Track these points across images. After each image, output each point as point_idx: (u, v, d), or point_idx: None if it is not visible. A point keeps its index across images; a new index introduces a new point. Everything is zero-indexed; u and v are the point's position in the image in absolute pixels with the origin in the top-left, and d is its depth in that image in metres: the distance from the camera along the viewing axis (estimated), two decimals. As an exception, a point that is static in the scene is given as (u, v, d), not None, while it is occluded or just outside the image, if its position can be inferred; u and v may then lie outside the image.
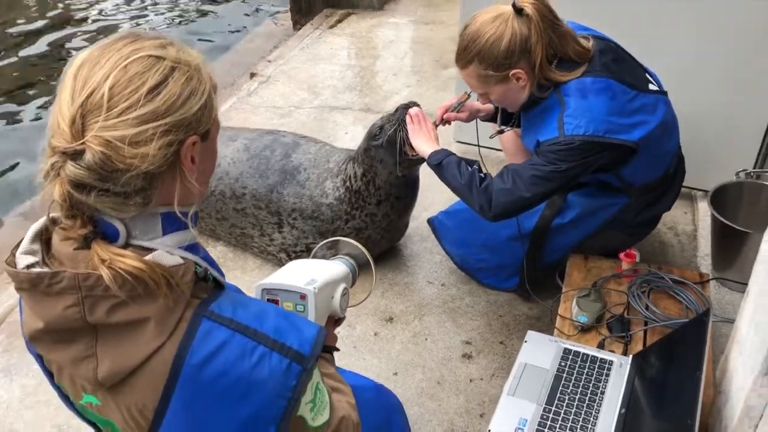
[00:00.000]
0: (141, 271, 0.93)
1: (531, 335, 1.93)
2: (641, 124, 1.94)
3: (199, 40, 5.24)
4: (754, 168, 2.67)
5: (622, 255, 2.16)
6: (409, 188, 2.45)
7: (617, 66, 1.96)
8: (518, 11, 1.87)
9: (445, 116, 2.25)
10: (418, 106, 2.24)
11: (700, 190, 2.83)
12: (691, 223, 2.77)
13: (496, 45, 1.88)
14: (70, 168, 0.90)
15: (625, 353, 1.91)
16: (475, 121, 2.34)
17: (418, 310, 2.43)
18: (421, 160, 2.17)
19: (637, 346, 1.94)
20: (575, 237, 2.23)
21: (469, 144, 2.66)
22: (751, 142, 2.64)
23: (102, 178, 0.91)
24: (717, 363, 1.85)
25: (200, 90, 0.98)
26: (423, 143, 2.14)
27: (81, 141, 0.90)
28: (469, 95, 2.20)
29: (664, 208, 2.25)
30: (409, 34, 4.49)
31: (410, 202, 2.50)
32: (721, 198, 2.38)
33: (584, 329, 1.98)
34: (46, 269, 0.96)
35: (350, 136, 3.42)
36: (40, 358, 1.11)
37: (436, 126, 2.23)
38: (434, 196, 2.87)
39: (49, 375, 1.12)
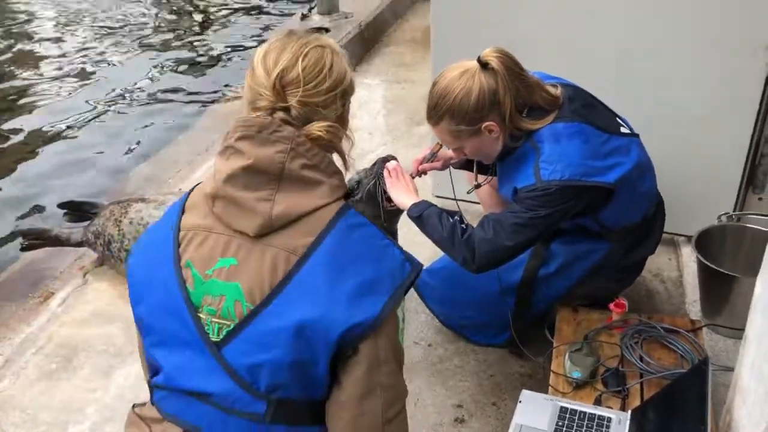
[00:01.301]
0: (330, 139, 1.35)
1: (525, 395, 1.85)
2: (616, 166, 1.94)
3: (172, 103, 5.22)
4: (735, 210, 2.67)
5: (611, 305, 2.11)
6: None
7: (588, 111, 1.97)
8: (484, 65, 1.88)
9: (420, 168, 2.24)
10: (395, 159, 2.23)
11: (683, 235, 2.81)
12: (676, 269, 2.74)
13: (466, 100, 1.88)
14: (281, 115, 1.32)
15: (623, 408, 1.83)
16: (449, 173, 2.32)
17: (405, 372, 2.26)
18: (402, 210, 2.14)
19: (635, 400, 1.87)
20: (562, 286, 2.18)
21: (448, 198, 2.63)
22: (729, 185, 2.64)
23: (303, 123, 1.33)
24: (718, 414, 1.78)
25: (346, 64, 1.40)
26: (402, 195, 2.11)
27: (286, 103, 1.32)
28: (441, 145, 2.19)
29: (647, 252, 2.23)
30: (382, 94, 4.52)
31: None
32: (704, 242, 2.36)
33: (579, 385, 1.91)
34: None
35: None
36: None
37: (413, 178, 2.21)
38: (415, 251, 2.81)
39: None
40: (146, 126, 4.94)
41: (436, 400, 2.22)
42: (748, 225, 2.40)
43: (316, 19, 5.21)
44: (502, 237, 1.90)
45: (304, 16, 5.24)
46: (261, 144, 1.29)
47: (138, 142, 4.74)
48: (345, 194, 1.38)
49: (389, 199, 2.18)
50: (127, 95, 5.46)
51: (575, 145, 1.88)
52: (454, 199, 2.30)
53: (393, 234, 2.40)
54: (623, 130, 2.04)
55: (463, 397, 2.23)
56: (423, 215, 2.03)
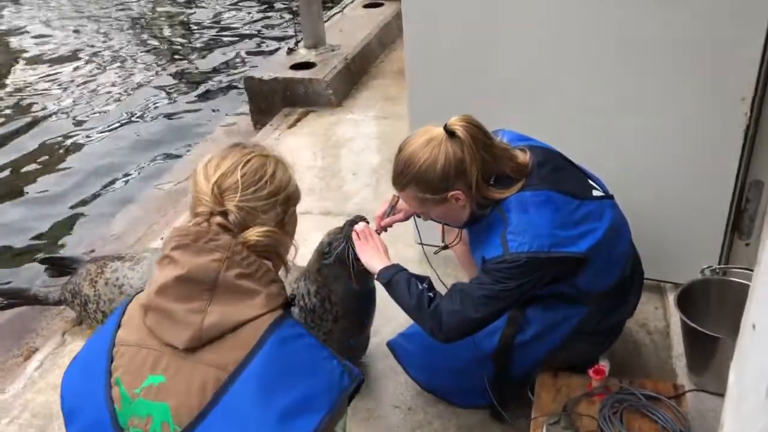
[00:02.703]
0: (269, 244, 1.37)
1: (500, 475, 1.80)
2: (588, 234, 1.89)
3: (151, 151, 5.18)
4: (721, 257, 2.61)
5: (591, 372, 2.04)
6: (365, 301, 2.35)
7: (557, 176, 1.92)
8: (450, 134, 1.83)
9: (383, 223, 2.22)
10: (364, 220, 2.21)
11: (669, 282, 2.75)
12: (662, 318, 2.68)
13: (431, 169, 1.84)
14: (218, 219, 1.33)
15: (601, 488, 1.77)
16: (415, 223, 2.31)
17: (384, 440, 2.28)
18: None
19: (615, 478, 1.81)
20: (540, 352, 2.12)
21: (432, 245, 2.59)
22: (715, 231, 2.58)
23: (241, 228, 1.35)
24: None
25: (290, 174, 1.45)
26: (371, 259, 2.07)
27: (223, 208, 1.34)
28: (398, 197, 2.16)
29: (626, 314, 2.17)
30: (367, 131, 4.47)
31: (368, 315, 2.40)
32: (688, 298, 2.29)
33: (556, 462, 1.85)
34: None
35: (309, 246, 3.31)
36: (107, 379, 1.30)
37: (379, 234, 2.17)
38: (394, 310, 2.76)
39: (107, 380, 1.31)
40: (131, 163, 4.91)
41: (414, 471, 2.16)
42: (732, 279, 2.34)
43: (303, 53, 5.17)
44: (470, 309, 1.85)
45: (290, 50, 5.20)
46: (196, 253, 1.28)
47: (125, 181, 4.71)
48: (285, 302, 1.35)
49: (360, 262, 2.14)
50: (110, 127, 5.43)
51: (544, 215, 1.83)
52: (421, 244, 2.33)
53: (370, 292, 2.35)
54: (596, 192, 1.98)
55: (443, 466, 2.17)
56: (392, 281, 1.99)
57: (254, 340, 1.24)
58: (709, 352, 2.19)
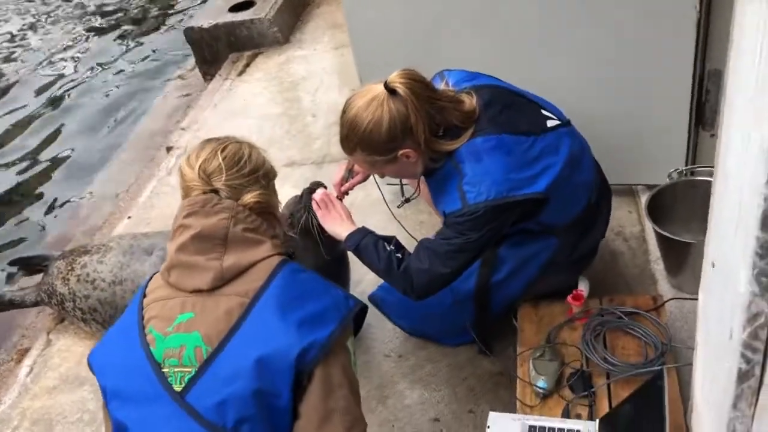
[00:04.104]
0: (264, 204, 1.56)
1: (493, 418, 1.83)
2: (546, 171, 1.85)
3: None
4: (689, 153, 2.58)
5: (570, 298, 2.06)
6: (337, 268, 2.33)
7: (507, 115, 1.86)
8: (391, 92, 1.75)
9: (342, 189, 2.18)
10: (322, 185, 2.15)
11: (641, 184, 2.73)
12: (637, 222, 2.68)
13: (376, 131, 1.78)
14: (212, 195, 1.50)
15: (591, 415, 1.81)
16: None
17: (379, 391, 2.31)
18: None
19: (603, 400, 1.85)
20: (517, 288, 2.12)
21: (397, 185, 2.56)
22: (679, 127, 2.54)
23: (235, 199, 1.52)
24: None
25: (263, 154, 1.61)
26: (336, 227, 2.04)
27: (213, 187, 1.51)
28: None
29: (597, 238, 2.16)
30: (320, 66, 4.31)
31: (343, 281, 2.38)
32: (657, 204, 2.28)
33: (546, 395, 1.88)
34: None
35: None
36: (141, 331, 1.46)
37: (341, 200, 2.13)
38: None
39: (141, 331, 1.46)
40: (85, 137, 4.75)
41: (412, 417, 2.20)
42: (697, 179, 2.32)
43: (240, -10, 4.92)
44: (438, 265, 1.84)
45: (226, -10, 4.95)
46: (206, 216, 1.47)
47: (81, 155, 4.57)
48: (286, 253, 1.54)
49: (324, 231, 2.10)
50: (53, 101, 5.23)
51: (497, 160, 1.79)
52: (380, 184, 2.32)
53: (341, 258, 2.32)
54: (550, 123, 1.92)
55: (440, 408, 2.21)
56: (359, 246, 1.96)
57: (269, 272, 1.45)
58: (683, 257, 2.20)
